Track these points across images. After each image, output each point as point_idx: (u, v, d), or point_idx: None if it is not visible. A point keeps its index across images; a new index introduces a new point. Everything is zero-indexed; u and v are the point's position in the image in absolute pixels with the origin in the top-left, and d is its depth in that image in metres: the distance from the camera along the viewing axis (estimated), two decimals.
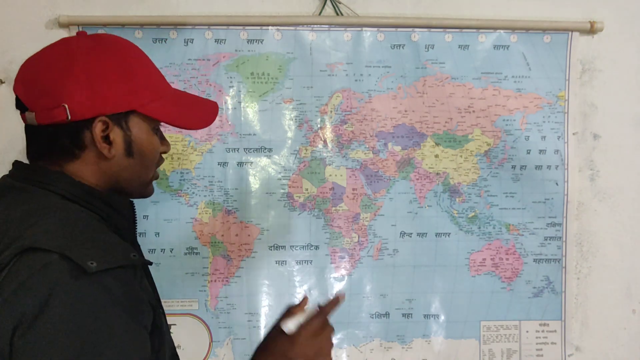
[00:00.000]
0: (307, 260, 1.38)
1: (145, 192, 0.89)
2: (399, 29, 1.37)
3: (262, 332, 1.37)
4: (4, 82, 1.33)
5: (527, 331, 1.42)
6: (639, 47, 1.43)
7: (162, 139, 0.88)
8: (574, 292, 1.43)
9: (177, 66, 1.33)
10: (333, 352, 1.38)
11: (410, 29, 1.37)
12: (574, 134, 1.41)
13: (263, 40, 1.34)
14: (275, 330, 0.91)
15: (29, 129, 0.82)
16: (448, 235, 1.40)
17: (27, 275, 0.66)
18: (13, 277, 0.66)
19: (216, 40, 1.33)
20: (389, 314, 1.40)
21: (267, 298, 1.38)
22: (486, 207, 1.40)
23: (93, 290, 0.67)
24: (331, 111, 1.37)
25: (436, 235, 1.40)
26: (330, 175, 1.38)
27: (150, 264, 0.81)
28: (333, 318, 1.39)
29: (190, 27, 1.33)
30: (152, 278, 0.87)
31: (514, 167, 1.40)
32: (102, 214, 0.80)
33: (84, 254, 0.67)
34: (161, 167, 1.34)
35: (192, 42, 1.33)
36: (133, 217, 0.89)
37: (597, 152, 1.43)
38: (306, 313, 0.91)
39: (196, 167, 1.35)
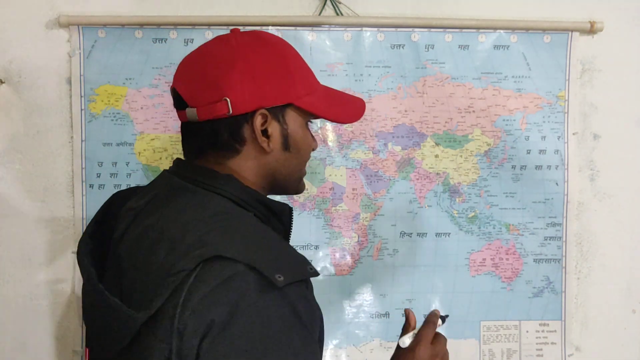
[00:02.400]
0: None
1: (299, 188, 0.89)
2: (399, 29, 1.37)
3: None
4: (4, 82, 1.33)
5: (527, 331, 1.42)
6: (639, 47, 1.43)
7: (313, 134, 0.89)
8: (574, 292, 1.43)
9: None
10: (333, 352, 1.38)
11: (410, 29, 1.37)
12: (574, 134, 1.41)
13: None
14: (396, 350, 0.93)
15: (188, 127, 0.83)
16: (448, 235, 1.40)
17: (214, 284, 0.65)
18: (200, 285, 0.65)
19: None
20: (389, 314, 1.40)
21: None
22: (486, 207, 1.40)
23: (280, 305, 0.67)
24: None
25: (436, 235, 1.40)
26: (330, 175, 1.38)
27: (318, 274, 0.77)
28: (333, 318, 1.40)
29: (190, 27, 1.33)
30: None
31: (514, 167, 1.40)
32: (264, 219, 0.81)
33: (270, 266, 0.67)
34: (161, 167, 1.34)
35: (192, 42, 1.33)
36: (290, 223, 0.89)
37: (597, 152, 1.43)
38: (416, 325, 0.96)
39: None
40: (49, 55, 1.33)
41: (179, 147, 1.35)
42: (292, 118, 0.82)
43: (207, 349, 0.63)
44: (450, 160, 1.39)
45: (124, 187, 1.33)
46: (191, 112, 0.80)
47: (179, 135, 1.34)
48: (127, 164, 1.34)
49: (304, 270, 0.72)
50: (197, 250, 0.67)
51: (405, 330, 0.95)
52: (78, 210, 1.34)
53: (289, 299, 0.67)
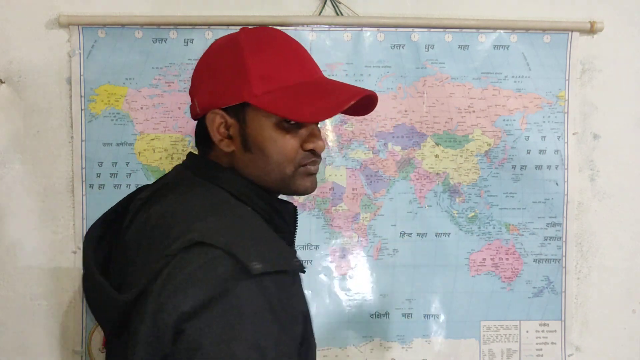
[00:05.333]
0: (307, 260, 1.38)
1: (290, 188, 0.82)
2: (399, 29, 1.37)
3: None
4: (4, 82, 1.33)
5: (527, 331, 1.42)
6: (639, 47, 1.43)
7: (312, 135, 0.81)
8: (574, 292, 1.43)
9: (177, 66, 1.33)
10: (333, 352, 1.38)
11: (410, 29, 1.37)
12: (574, 134, 1.41)
13: None
14: None
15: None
16: (448, 235, 1.40)
17: (193, 268, 0.66)
18: (180, 269, 0.67)
19: None
20: (389, 314, 1.40)
21: None
22: (486, 207, 1.40)
23: (254, 293, 0.66)
24: None
25: (436, 235, 1.40)
26: (330, 175, 1.38)
27: (304, 271, 0.76)
28: (333, 318, 1.40)
29: (190, 27, 1.33)
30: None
31: (514, 167, 1.40)
32: (266, 216, 0.80)
33: (248, 254, 0.67)
34: (161, 167, 1.34)
35: (192, 42, 1.33)
36: (295, 222, 0.86)
37: (597, 152, 1.43)
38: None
39: None
40: (49, 55, 1.33)
41: (179, 147, 1.35)
42: (254, 118, 0.79)
43: (182, 330, 0.64)
44: (451, 160, 1.39)
45: (124, 187, 1.34)
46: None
47: (179, 135, 1.35)
48: (127, 164, 1.34)
49: (287, 262, 0.71)
50: (183, 237, 0.69)
51: None
52: (78, 210, 1.34)
53: (265, 289, 0.67)
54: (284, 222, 0.84)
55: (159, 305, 0.66)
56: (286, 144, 0.79)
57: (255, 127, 0.79)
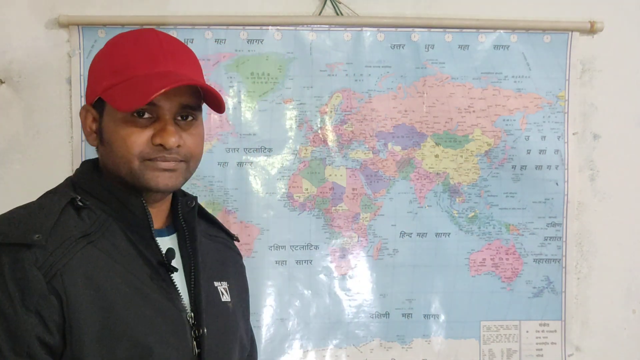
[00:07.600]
0: (307, 260, 1.38)
1: (141, 183, 0.81)
2: (399, 29, 1.37)
3: (263, 332, 1.37)
4: (4, 82, 1.33)
5: (527, 331, 1.42)
6: (639, 47, 1.43)
7: (162, 130, 0.80)
8: (574, 292, 1.43)
9: None
10: (333, 352, 1.38)
11: (410, 29, 1.37)
12: (574, 134, 1.41)
13: (263, 40, 1.34)
14: None
15: None
16: (448, 235, 1.40)
17: None
18: None
19: (216, 40, 1.33)
20: (389, 314, 1.40)
21: (267, 298, 1.37)
22: (486, 207, 1.40)
23: None
24: (331, 111, 1.37)
25: (436, 235, 1.40)
26: (330, 175, 1.38)
27: (28, 246, 0.75)
28: (333, 318, 1.40)
29: (190, 27, 1.33)
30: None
31: (514, 167, 1.40)
32: (114, 210, 0.82)
33: None
34: None
35: (192, 42, 1.33)
36: (145, 216, 0.83)
37: (597, 152, 1.43)
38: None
39: None
40: (49, 55, 1.33)
41: None
42: (108, 112, 0.82)
43: None
44: (451, 160, 1.39)
45: None
46: None
47: None
48: None
49: (19, 235, 0.75)
50: None
51: None
52: None
53: None
54: (134, 216, 0.83)
55: None
56: (129, 137, 0.80)
57: (107, 120, 0.82)
